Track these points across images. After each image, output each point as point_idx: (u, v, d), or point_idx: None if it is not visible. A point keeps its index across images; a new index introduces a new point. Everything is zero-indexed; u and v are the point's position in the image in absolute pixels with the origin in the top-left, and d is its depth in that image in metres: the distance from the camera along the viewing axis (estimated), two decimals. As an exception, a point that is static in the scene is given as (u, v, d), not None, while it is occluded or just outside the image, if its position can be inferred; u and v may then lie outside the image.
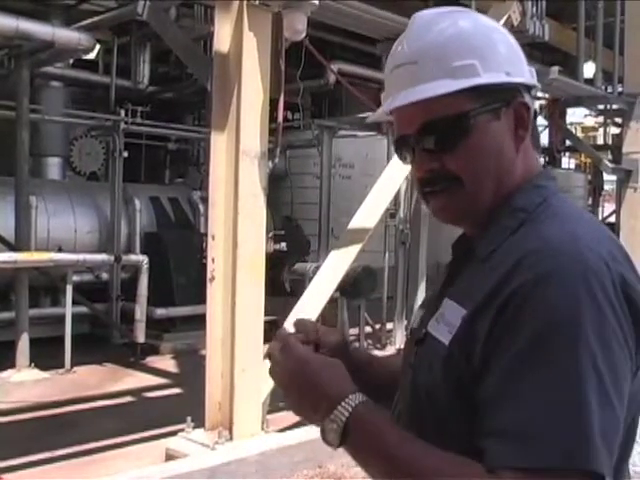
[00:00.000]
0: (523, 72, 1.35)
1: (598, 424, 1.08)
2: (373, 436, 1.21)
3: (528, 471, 1.07)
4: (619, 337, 1.13)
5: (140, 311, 9.47)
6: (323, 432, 1.25)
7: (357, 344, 9.29)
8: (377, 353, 9.18)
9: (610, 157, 15.70)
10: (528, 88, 1.37)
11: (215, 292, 5.61)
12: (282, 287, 10.25)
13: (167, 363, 9.43)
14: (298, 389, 1.29)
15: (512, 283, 1.17)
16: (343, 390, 1.25)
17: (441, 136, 1.30)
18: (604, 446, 1.08)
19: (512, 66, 1.33)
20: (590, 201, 20.29)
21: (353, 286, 8.99)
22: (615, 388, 1.11)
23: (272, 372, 1.34)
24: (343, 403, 1.23)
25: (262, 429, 5.71)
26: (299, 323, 1.47)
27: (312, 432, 5.67)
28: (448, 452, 1.16)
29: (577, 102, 12.27)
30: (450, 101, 1.27)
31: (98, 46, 10.40)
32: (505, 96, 1.32)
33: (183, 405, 6.54)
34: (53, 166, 11.51)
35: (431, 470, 1.15)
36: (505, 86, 1.31)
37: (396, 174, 7.25)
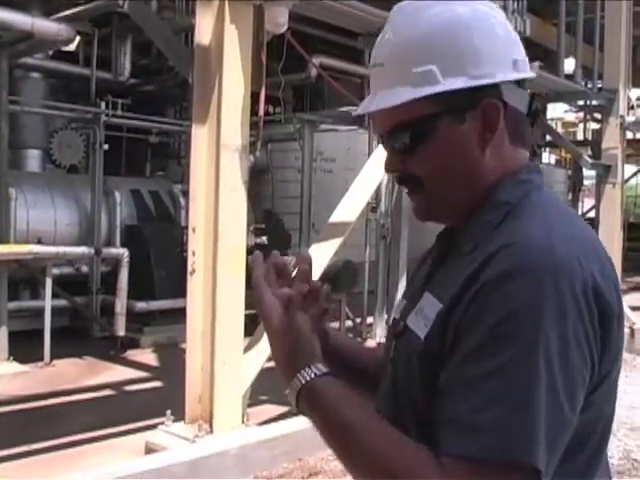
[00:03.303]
0: (497, 68, 1.28)
1: (544, 421, 1.08)
2: (326, 405, 1.22)
3: (468, 460, 1.08)
4: (580, 336, 1.13)
5: (120, 304, 9.45)
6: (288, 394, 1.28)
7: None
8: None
9: (590, 153, 15.81)
10: (518, 82, 1.32)
11: (195, 285, 5.60)
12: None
13: (147, 356, 9.41)
14: (282, 348, 1.29)
15: (482, 277, 1.17)
16: (308, 360, 1.26)
17: (402, 140, 1.32)
18: (546, 443, 1.08)
19: (481, 66, 1.27)
20: (570, 196, 20.43)
21: (334, 280, 9.00)
22: (566, 387, 1.11)
23: (267, 319, 1.30)
24: (303, 372, 1.25)
25: (242, 422, 5.71)
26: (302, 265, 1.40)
27: (292, 425, 5.69)
28: (404, 435, 1.17)
29: (557, 97, 12.33)
30: (410, 106, 1.27)
31: (78, 37, 10.31)
32: (470, 99, 1.28)
33: (163, 398, 6.54)
34: (33, 158, 11.45)
35: (379, 446, 1.16)
36: (473, 89, 1.27)
37: (377, 168, 7.26)
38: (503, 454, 1.07)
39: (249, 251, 5.82)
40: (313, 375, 1.24)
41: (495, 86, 1.29)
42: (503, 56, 1.31)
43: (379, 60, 1.33)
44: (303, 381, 1.24)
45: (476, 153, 1.30)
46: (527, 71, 1.34)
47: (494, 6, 1.37)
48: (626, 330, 9.90)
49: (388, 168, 1.39)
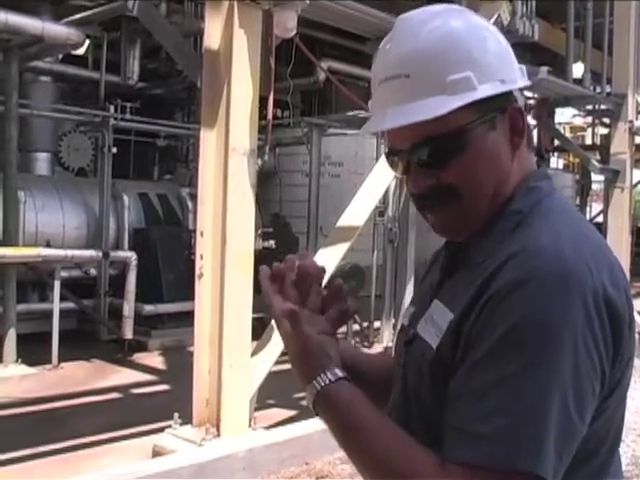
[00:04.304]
0: (515, 74, 1.31)
1: (552, 430, 1.08)
2: (340, 410, 1.24)
3: (473, 467, 1.08)
4: (590, 345, 1.12)
5: (128, 307, 9.47)
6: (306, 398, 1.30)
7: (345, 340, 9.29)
8: (365, 351, 9.20)
9: (598, 157, 15.79)
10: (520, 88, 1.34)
11: (203, 289, 5.61)
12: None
13: (155, 359, 9.42)
14: (294, 356, 1.31)
15: (493, 285, 1.17)
16: (322, 365, 1.27)
17: (436, 152, 1.27)
18: (555, 452, 1.08)
19: (505, 71, 1.29)
20: (578, 201, 20.38)
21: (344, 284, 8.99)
22: (575, 396, 1.11)
23: (280, 327, 1.32)
24: (318, 377, 1.25)
25: (249, 426, 5.72)
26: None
27: (299, 429, 5.69)
28: (414, 439, 1.18)
29: (566, 102, 12.31)
30: (445, 116, 1.23)
31: (87, 41, 10.33)
32: (500, 104, 1.28)
33: (171, 401, 6.54)
34: (42, 161, 11.47)
35: (387, 449, 1.17)
36: (500, 95, 1.27)
37: (385, 173, 7.26)
38: (506, 462, 1.07)
39: (257, 255, 5.84)
40: (328, 381, 1.25)
41: (511, 92, 1.31)
42: (514, 62, 1.33)
43: (399, 70, 1.27)
44: (319, 387, 1.25)
45: (508, 158, 1.31)
46: (527, 78, 1.35)
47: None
48: (635, 336, 9.86)
49: (417, 184, 1.32)
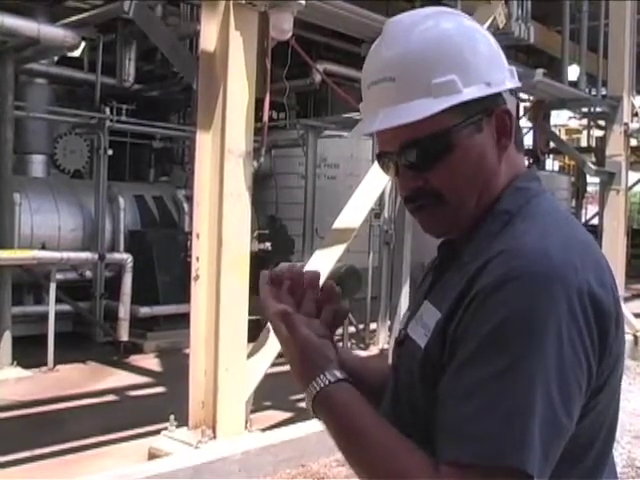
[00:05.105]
0: (504, 76, 1.32)
1: (537, 427, 1.08)
2: (339, 410, 1.25)
3: (463, 466, 1.09)
4: (575, 342, 1.13)
5: (124, 309, 9.46)
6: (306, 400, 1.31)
7: (341, 344, 9.30)
8: (360, 353, 9.22)
9: (594, 159, 15.82)
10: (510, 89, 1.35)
11: (199, 291, 5.60)
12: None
13: (151, 362, 9.41)
14: (292, 359, 1.32)
15: (478, 284, 1.18)
16: (321, 367, 1.28)
17: (423, 154, 1.29)
18: (541, 448, 1.08)
19: (494, 72, 1.30)
20: (573, 203, 20.43)
21: (337, 286, 8.98)
22: (561, 393, 1.11)
23: (277, 332, 1.34)
24: (317, 379, 1.27)
25: (245, 428, 5.71)
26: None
27: (295, 431, 5.69)
28: (409, 439, 1.19)
29: (561, 104, 12.33)
30: (430, 119, 1.24)
31: (83, 43, 10.34)
32: (487, 106, 1.29)
33: (166, 404, 6.53)
34: (37, 163, 11.44)
35: (384, 450, 1.18)
36: (487, 97, 1.28)
37: (381, 174, 7.26)
38: (494, 460, 1.08)
39: (252, 257, 5.84)
40: (327, 382, 1.26)
41: (499, 94, 1.32)
42: (504, 64, 1.34)
43: (386, 74, 1.29)
44: (318, 388, 1.26)
45: (495, 160, 1.32)
46: (517, 80, 1.36)
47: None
48: (630, 337, 9.88)
49: (405, 186, 1.34)
